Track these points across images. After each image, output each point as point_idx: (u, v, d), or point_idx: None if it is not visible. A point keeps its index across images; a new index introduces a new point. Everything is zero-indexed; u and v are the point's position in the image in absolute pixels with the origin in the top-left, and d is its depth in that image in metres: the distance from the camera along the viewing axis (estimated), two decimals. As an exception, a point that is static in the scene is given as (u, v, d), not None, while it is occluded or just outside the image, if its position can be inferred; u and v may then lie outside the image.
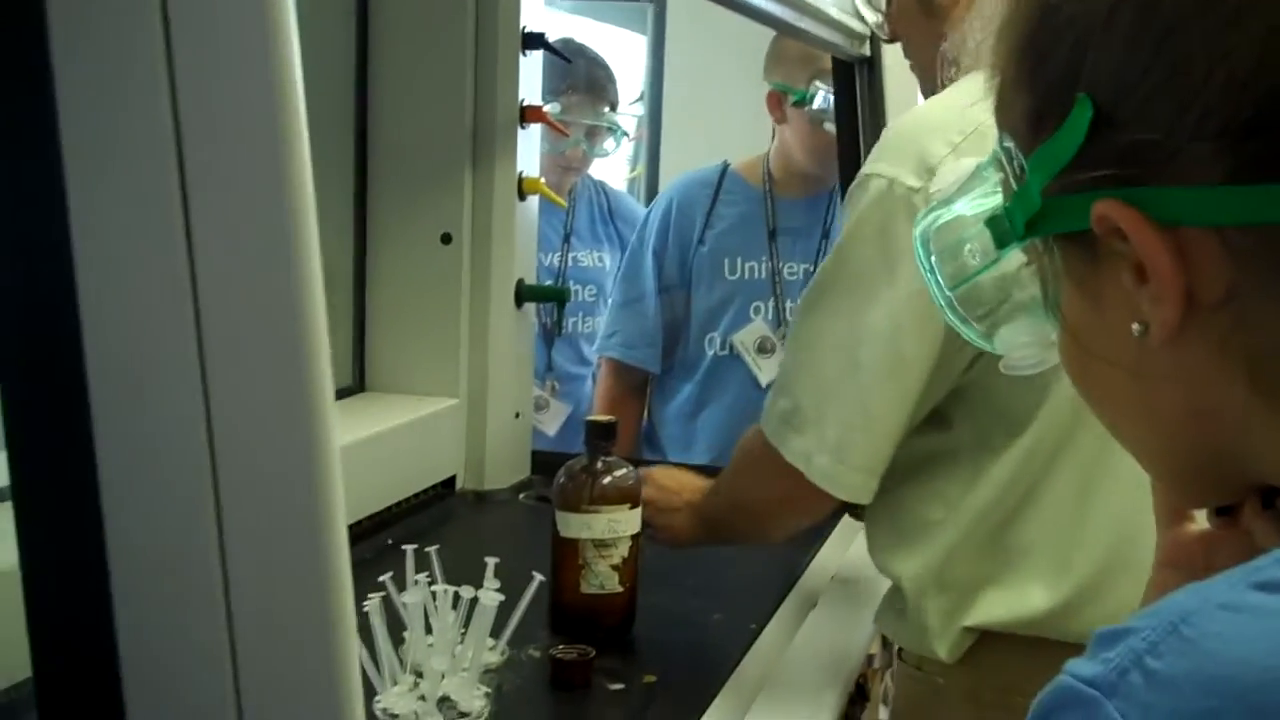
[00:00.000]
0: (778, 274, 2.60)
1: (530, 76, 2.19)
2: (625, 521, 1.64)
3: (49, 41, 0.52)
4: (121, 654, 0.56)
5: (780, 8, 1.83)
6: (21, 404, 0.56)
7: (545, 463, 2.33)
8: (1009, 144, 0.68)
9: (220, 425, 0.54)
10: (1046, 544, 1.47)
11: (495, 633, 1.42)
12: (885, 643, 1.99)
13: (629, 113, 3.00)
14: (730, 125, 2.90)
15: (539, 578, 1.43)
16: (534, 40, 2.15)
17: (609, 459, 1.66)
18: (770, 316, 2.59)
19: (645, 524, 1.66)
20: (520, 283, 2.22)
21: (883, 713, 2.26)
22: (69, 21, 0.53)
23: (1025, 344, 0.76)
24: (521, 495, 2.26)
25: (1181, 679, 0.52)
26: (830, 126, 2.47)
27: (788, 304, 2.57)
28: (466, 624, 1.35)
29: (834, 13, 2.03)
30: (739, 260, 2.62)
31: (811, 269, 2.59)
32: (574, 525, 1.63)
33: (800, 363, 1.51)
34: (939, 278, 0.76)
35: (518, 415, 2.28)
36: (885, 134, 1.55)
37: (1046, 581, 1.47)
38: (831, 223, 2.62)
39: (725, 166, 2.71)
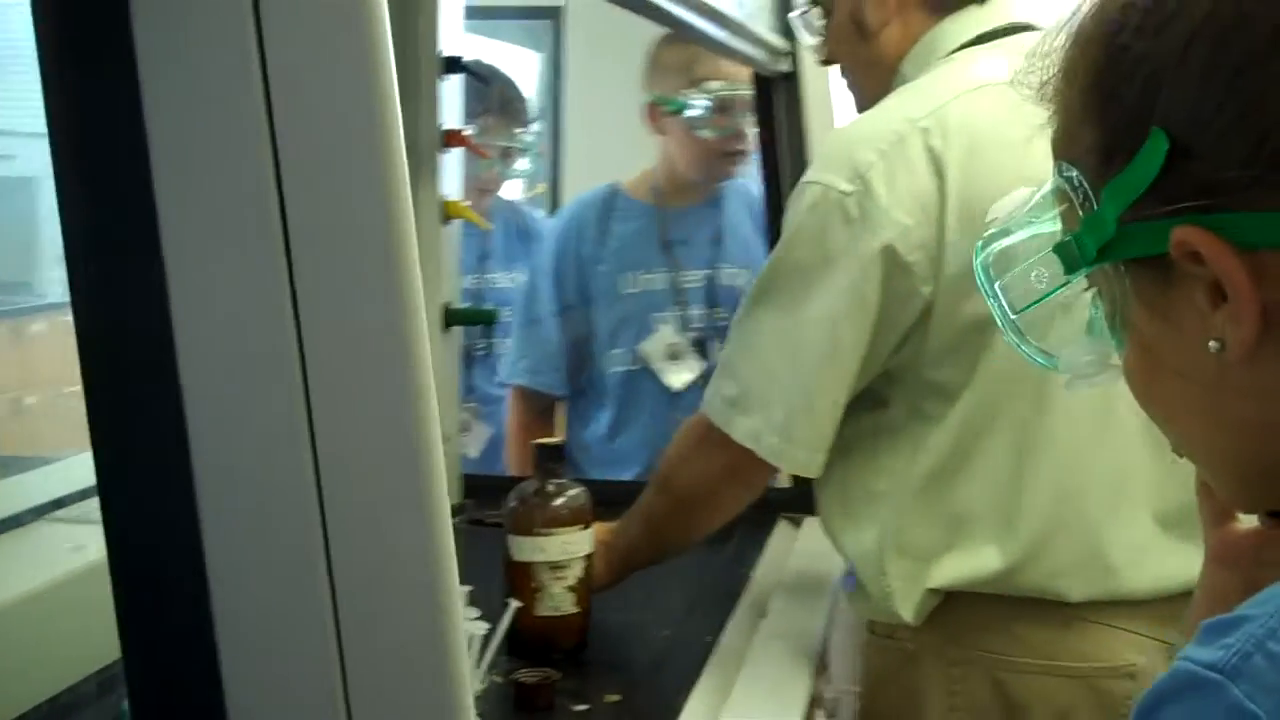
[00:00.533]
0: (677, 283, 2.62)
1: (450, 101, 2.18)
2: (578, 542, 1.64)
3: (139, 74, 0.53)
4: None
5: (704, 22, 1.85)
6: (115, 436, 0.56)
7: (474, 486, 2.33)
8: (1071, 174, 0.70)
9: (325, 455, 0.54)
10: (990, 507, 1.57)
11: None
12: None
13: (529, 131, 3.01)
14: (631, 140, 2.91)
15: (514, 604, 1.43)
16: (453, 64, 2.15)
17: (559, 481, 1.66)
18: (675, 325, 2.62)
19: None
20: (447, 306, 2.21)
21: (819, 717, 2.28)
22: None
23: (1087, 362, 0.78)
24: (456, 519, 2.25)
25: None
26: (706, 133, 2.51)
27: (691, 310, 2.60)
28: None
29: (756, 29, 2.06)
30: (637, 274, 2.64)
31: (710, 273, 2.63)
32: (527, 549, 1.63)
33: (745, 352, 1.62)
34: (1003, 302, 0.78)
35: (447, 439, 2.27)
36: (822, 147, 1.69)
37: (996, 542, 1.57)
38: (723, 225, 2.65)
39: (613, 186, 2.74)
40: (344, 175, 0.58)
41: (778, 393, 1.58)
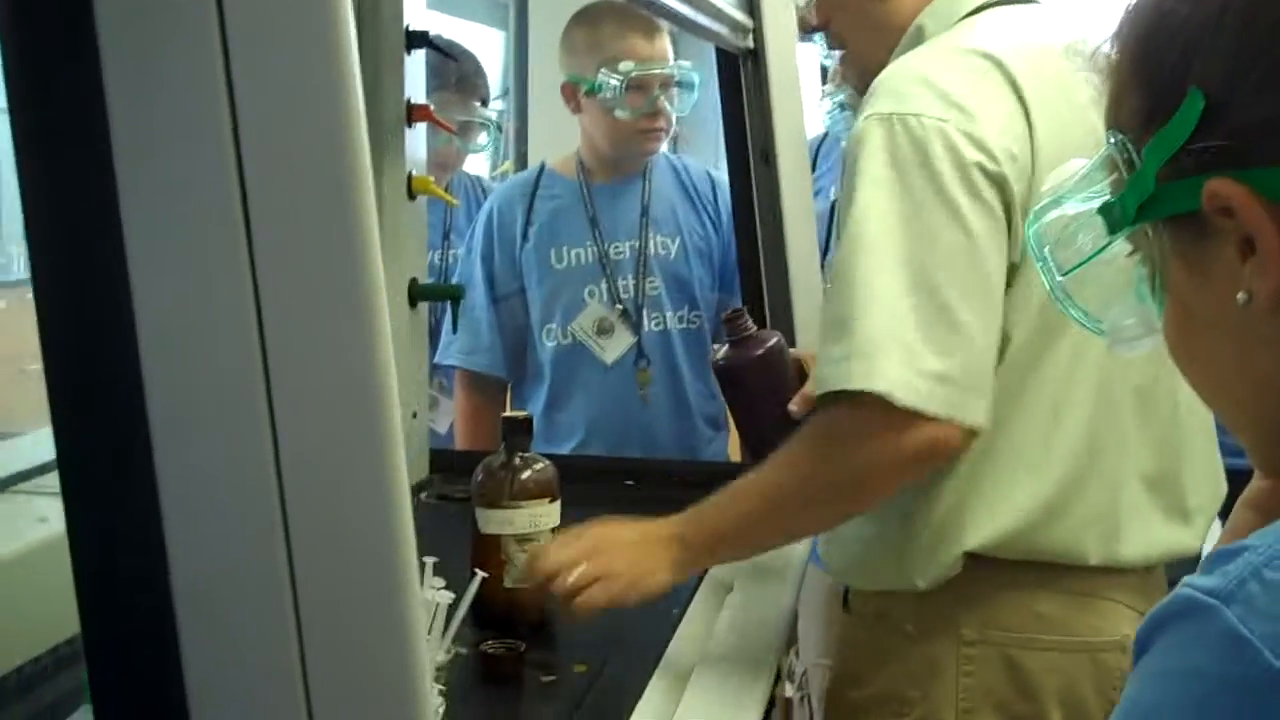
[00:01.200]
0: (605, 256, 2.63)
1: (414, 76, 2.18)
2: (546, 515, 1.65)
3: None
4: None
5: (668, -1, 1.85)
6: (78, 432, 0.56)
7: (442, 462, 2.33)
8: (1118, 138, 0.74)
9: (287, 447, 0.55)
10: (1023, 454, 1.52)
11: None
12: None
13: (490, 107, 3.00)
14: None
15: (480, 575, 1.44)
16: (418, 39, 2.14)
17: (526, 454, 1.67)
18: (605, 298, 2.63)
19: (596, 576, 1.51)
20: (413, 282, 2.21)
21: (787, 688, 2.30)
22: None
23: (1130, 324, 0.81)
24: (423, 495, 2.25)
25: None
26: (621, 113, 2.53)
27: (619, 282, 2.61)
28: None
29: (719, 4, 2.06)
30: (565, 249, 2.65)
31: (636, 245, 2.64)
32: (495, 521, 1.63)
33: (857, 303, 1.43)
34: (1052, 266, 0.82)
35: (414, 415, 2.27)
36: (887, 82, 1.53)
37: (1024, 489, 1.52)
38: (649, 198, 2.66)
39: (542, 165, 2.75)
40: (304, 150, 0.58)
41: (917, 334, 1.40)
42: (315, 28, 0.55)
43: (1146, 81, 0.73)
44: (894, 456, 1.44)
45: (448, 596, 1.32)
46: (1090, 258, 0.79)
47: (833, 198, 2.79)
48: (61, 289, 0.58)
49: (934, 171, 1.43)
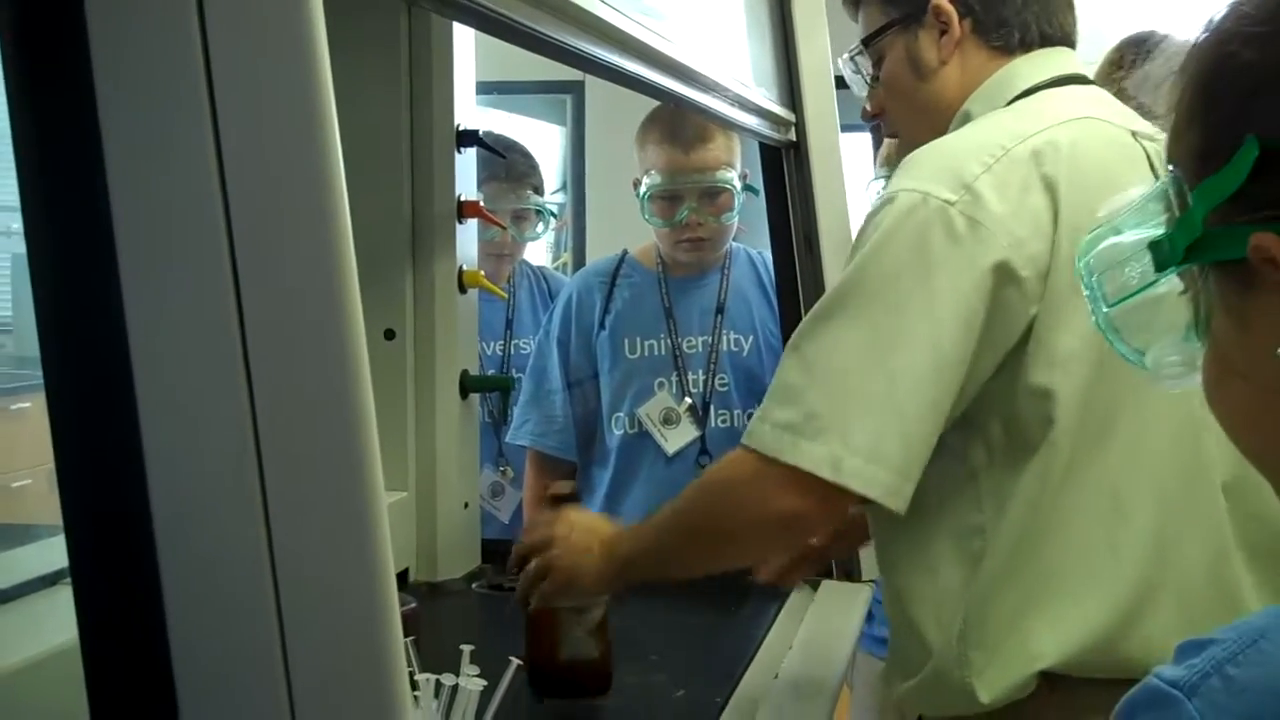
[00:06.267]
0: (678, 349, 2.66)
1: (465, 172, 2.23)
2: (599, 587, 1.67)
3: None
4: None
5: (705, 96, 1.88)
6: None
7: (495, 551, 2.36)
8: (1175, 172, 0.74)
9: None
10: (1080, 566, 1.44)
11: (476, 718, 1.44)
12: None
13: (551, 201, 3.05)
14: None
15: (515, 662, 1.46)
16: (468, 138, 2.20)
17: (578, 526, 1.69)
18: (674, 390, 2.65)
19: (543, 570, 1.60)
20: (464, 374, 2.25)
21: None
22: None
23: (1172, 362, 0.80)
24: (475, 584, 2.27)
25: (1259, 686, 0.59)
26: (652, 223, 2.59)
27: (689, 376, 2.63)
28: (447, 713, 1.37)
29: (760, 100, 2.10)
30: (638, 339, 2.67)
31: (710, 340, 2.65)
32: (549, 594, 1.65)
33: (812, 372, 1.43)
34: (1101, 294, 0.81)
35: (466, 505, 2.31)
36: (910, 160, 1.52)
37: (1084, 607, 1.44)
38: (726, 295, 2.68)
39: (624, 253, 2.78)
40: (286, 190, 0.62)
41: (861, 413, 1.39)
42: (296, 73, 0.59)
43: (1203, 121, 0.72)
44: (773, 520, 1.46)
45: (479, 684, 1.34)
46: (1136, 292, 0.78)
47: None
48: (60, 320, 0.62)
49: (925, 253, 1.41)
